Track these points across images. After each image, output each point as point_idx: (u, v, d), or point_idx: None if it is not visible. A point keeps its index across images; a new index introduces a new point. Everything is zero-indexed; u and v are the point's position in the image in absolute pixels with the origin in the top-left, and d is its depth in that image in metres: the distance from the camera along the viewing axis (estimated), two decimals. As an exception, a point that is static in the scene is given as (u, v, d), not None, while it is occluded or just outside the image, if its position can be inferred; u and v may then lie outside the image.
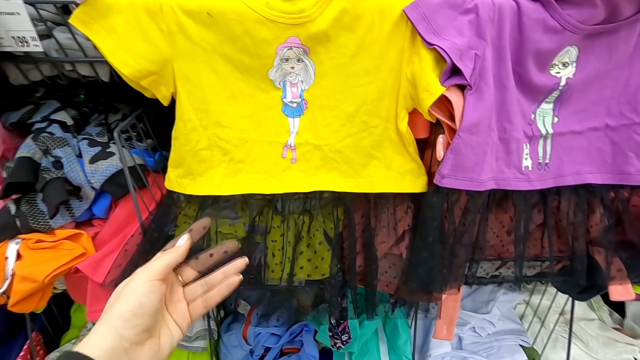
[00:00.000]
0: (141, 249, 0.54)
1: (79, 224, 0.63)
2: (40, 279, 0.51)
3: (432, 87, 0.49)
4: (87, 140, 0.60)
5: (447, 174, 0.50)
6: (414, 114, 0.56)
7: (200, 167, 0.56)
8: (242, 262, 0.42)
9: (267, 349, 0.82)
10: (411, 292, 0.53)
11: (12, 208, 0.57)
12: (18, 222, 0.56)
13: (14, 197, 0.58)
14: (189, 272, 0.42)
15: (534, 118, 0.55)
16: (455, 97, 0.48)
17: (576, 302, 0.88)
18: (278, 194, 0.56)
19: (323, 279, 0.54)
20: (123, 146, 0.54)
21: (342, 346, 0.68)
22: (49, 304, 0.82)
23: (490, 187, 0.53)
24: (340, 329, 0.66)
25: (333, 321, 0.67)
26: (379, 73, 0.53)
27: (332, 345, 0.70)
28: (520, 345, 0.84)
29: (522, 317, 0.94)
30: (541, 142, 0.56)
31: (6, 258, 0.54)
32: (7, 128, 0.62)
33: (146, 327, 0.34)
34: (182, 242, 0.40)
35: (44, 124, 0.59)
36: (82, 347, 0.31)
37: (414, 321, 0.74)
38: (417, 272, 0.51)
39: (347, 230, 0.57)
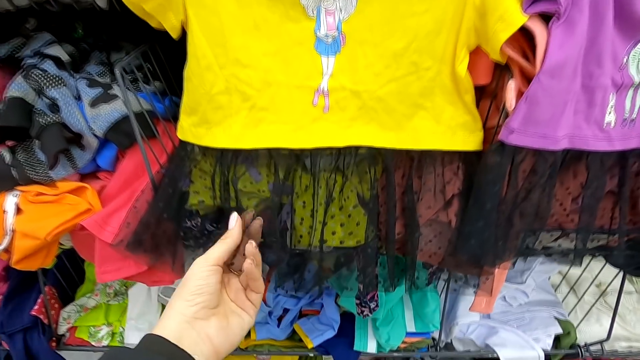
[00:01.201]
0: (153, 207, 0.48)
1: (83, 176, 0.56)
2: (42, 236, 0.46)
3: (511, 16, 0.38)
4: (86, 80, 0.51)
5: (517, 129, 0.41)
6: (475, 54, 0.46)
7: (216, 114, 0.48)
8: (257, 223, 0.45)
9: (286, 311, 0.79)
10: (459, 265, 0.47)
11: (7, 156, 0.50)
12: (14, 172, 0.50)
13: (8, 143, 0.52)
14: (240, 261, 0.44)
15: (627, 62, 0.44)
16: (539, 28, 0.38)
17: (612, 273, 0.82)
18: (307, 149, 0.49)
19: (356, 247, 0.48)
20: (127, 88, 0.46)
21: (370, 314, 0.63)
22: (60, 257, 0.79)
23: (565, 147, 0.44)
24: (369, 297, 0.61)
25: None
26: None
27: (358, 313, 0.65)
28: (555, 318, 0.79)
29: (555, 288, 0.89)
30: (630, 92, 0.45)
31: (5, 212, 0.49)
32: (-5, 64, 0.54)
33: (206, 305, 0.38)
34: (234, 223, 0.43)
35: (35, 60, 0.51)
36: (155, 330, 0.36)
37: (444, 290, 0.69)
38: (470, 244, 0.44)
39: (386, 192, 0.50)
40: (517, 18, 0.38)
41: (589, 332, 0.82)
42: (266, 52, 0.45)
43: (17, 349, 0.72)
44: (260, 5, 0.43)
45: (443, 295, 0.71)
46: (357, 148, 0.49)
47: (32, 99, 0.49)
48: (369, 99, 0.47)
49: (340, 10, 0.44)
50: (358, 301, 0.64)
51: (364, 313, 0.64)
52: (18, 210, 0.49)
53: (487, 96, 0.52)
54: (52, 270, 0.76)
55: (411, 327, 0.75)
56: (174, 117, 0.59)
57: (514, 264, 0.48)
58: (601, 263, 0.80)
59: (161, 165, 0.51)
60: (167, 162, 0.52)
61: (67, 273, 0.80)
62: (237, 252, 0.44)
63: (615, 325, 0.87)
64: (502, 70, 0.46)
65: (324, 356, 0.77)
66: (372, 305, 0.63)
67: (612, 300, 0.86)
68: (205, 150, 0.51)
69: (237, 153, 0.49)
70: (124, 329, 0.78)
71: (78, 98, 0.51)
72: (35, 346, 0.73)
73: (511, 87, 0.40)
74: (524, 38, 0.42)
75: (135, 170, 0.54)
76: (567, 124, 0.43)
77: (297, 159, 0.49)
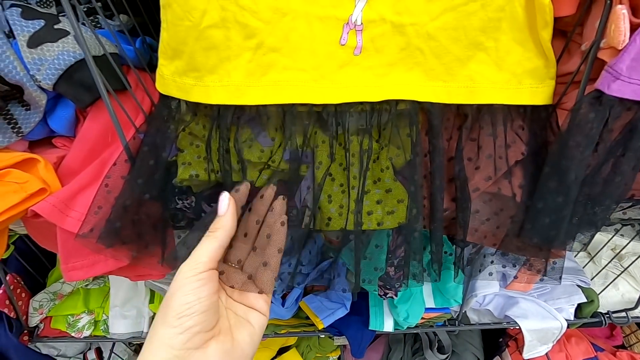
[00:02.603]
0: (130, 185, 0.36)
1: (34, 144, 0.43)
2: (-20, 227, 0.34)
3: None
4: (18, 9, 0.37)
5: (624, 75, 0.30)
6: (559, -29, 0.34)
7: (209, 57, 0.35)
8: (280, 204, 0.34)
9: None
10: (522, 249, 0.38)
11: None
12: None
13: None
14: (239, 248, 0.34)
15: None
16: None
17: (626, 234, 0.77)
18: (331, 105, 0.37)
19: (398, 226, 0.38)
20: (82, 23, 0.32)
21: (394, 297, 0.56)
22: (23, 239, 0.67)
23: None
24: (396, 277, 0.53)
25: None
26: None
27: (380, 295, 0.58)
28: (578, 286, 0.74)
29: (575, 255, 0.84)
30: None
31: None
32: None
33: (200, 329, 0.28)
34: (225, 207, 0.32)
35: (-60, -22, 0.35)
36: None
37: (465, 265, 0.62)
38: (543, 224, 0.35)
39: (430, 159, 0.39)
40: None
41: (606, 297, 0.79)
42: (278, -35, 0.32)
43: (-19, 347, 0.62)
44: None
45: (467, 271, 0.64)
46: (396, 102, 0.38)
47: (-57, 36, 0.35)
48: (415, 35, 0.35)
49: None
50: (382, 283, 0.56)
51: (388, 295, 0.56)
52: (-56, 192, 0.37)
53: (555, 34, 0.41)
54: (12, 256, 0.64)
55: (430, 303, 0.69)
56: (150, 65, 0.45)
57: (586, 244, 0.40)
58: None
59: (137, 129, 0.39)
60: (146, 125, 0.39)
61: (34, 256, 0.69)
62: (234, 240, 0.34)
63: (628, 287, 0.84)
64: (591, -3, 0.35)
65: (335, 337, 0.71)
66: (398, 285, 0.55)
67: (626, 263, 0.83)
68: (196, 108, 0.38)
69: (239, 111, 0.37)
70: (107, 317, 0.69)
71: (11, 35, 0.37)
72: (3, 343, 0.63)
73: (624, 15, 0.29)
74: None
75: (103, 135, 0.41)
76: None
77: (319, 117, 0.38)
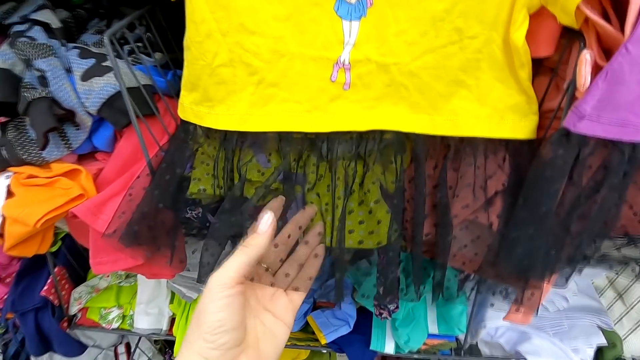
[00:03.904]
0: (149, 195, 0.43)
1: (81, 157, 0.52)
2: (31, 223, 0.42)
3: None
4: (77, 50, 0.46)
5: (589, 114, 0.32)
6: (535, 17, 0.37)
7: (219, 90, 0.41)
8: (320, 227, 0.38)
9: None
10: (499, 276, 0.39)
11: (-3, 134, 0.46)
12: (4, 152, 0.46)
13: (0, 119, 0.47)
14: (272, 253, 0.37)
15: None
16: (634, -21, 0.28)
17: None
18: (323, 133, 0.42)
19: (377, 247, 0.41)
20: (117, 56, 0.40)
21: (388, 317, 0.57)
22: (71, 237, 0.77)
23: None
24: (388, 299, 0.55)
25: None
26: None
27: (376, 315, 0.60)
28: (599, 327, 0.70)
29: (600, 293, 0.79)
30: None
31: (-4, 194, 0.45)
32: (-15, 32, 0.49)
33: (232, 345, 0.30)
34: (265, 227, 0.33)
35: (23, 27, 0.46)
36: None
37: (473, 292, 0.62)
38: (515, 253, 0.36)
39: (414, 185, 0.42)
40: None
41: (637, 344, 0.73)
42: (277, 15, 0.38)
43: (29, 328, 0.71)
44: (270, -44, 0.35)
45: (471, 298, 0.64)
46: (382, 133, 0.42)
47: (21, 71, 0.45)
48: (399, 74, 0.39)
49: (368, -38, 0.35)
50: (376, 302, 0.58)
51: (383, 315, 0.58)
52: (9, 193, 0.46)
53: (545, 71, 0.43)
54: (62, 251, 0.74)
55: (434, 329, 0.68)
56: (178, 94, 0.53)
57: (567, 278, 0.40)
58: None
59: (160, 148, 0.46)
60: (167, 144, 0.46)
61: (79, 253, 0.79)
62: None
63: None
64: (569, 39, 0.37)
65: (337, 354, 0.73)
66: (392, 307, 0.57)
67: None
68: (208, 132, 0.45)
69: (242, 136, 0.43)
70: (134, 313, 0.76)
71: (70, 70, 0.46)
72: (46, 326, 0.72)
73: (587, 59, 0.31)
74: (605, -6, 0.32)
75: (134, 152, 0.49)
76: (654, 109, 0.34)
77: (312, 144, 0.43)
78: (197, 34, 0.39)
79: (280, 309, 0.34)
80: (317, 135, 0.42)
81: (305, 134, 0.42)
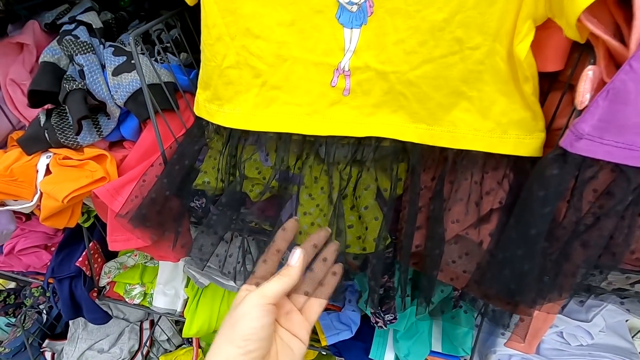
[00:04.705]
0: (159, 183, 0.47)
1: (112, 144, 0.58)
2: (60, 198, 0.48)
3: (597, -27, 0.27)
4: (112, 48, 0.51)
5: (588, 133, 0.30)
6: (544, 29, 0.35)
7: (227, 90, 0.44)
8: (335, 246, 0.37)
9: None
10: (487, 296, 0.38)
11: (42, 119, 0.53)
12: (47, 135, 0.52)
13: (47, 107, 0.54)
14: None
15: None
16: (640, -8, 0.26)
17: None
18: (321, 136, 0.43)
19: (366, 254, 0.41)
20: (142, 53, 0.44)
21: (384, 327, 0.57)
22: (106, 216, 0.85)
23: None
24: (384, 308, 0.54)
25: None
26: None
27: (373, 323, 0.59)
28: (627, 371, 0.64)
29: (634, 334, 0.72)
30: None
31: (37, 171, 0.52)
32: (43, 30, 0.57)
33: (259, 354, 0.31)
34: (296, 262, 0.34)
35: (71, 26, 0.52)
36: None
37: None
38: (502, 275, 0.35)
39: (409, 195, 0.42)
40: (607, -24, 0.27)
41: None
42: (280, 21, 0.39)
43: (64, 293, 0.80)
44: (275, -35, 0.37)
45: (479, 320, 0.61)
46: (379, 140, 0.42)
47: (65, 65, 0.51)
48: (397, 82, 0.39)
49: (369, -29, 0.36)
50: (372, 310, 0.57)
51: (378, 324, 0.57)
52: (48, 171, 0.52)
53: (560, 87, 0.40)
54: (97, 228, 0.82)
55: (437, 347, 0.66)
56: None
57: (563, 307, 0.37)
58: None
59: (175, 140, 0.50)
60: (182, 137, 0.50)
61: (113, 232, 0.86)
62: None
63: None
64: (582, 53, 0.35)
65: (337, 358, 0.73)
66: (389, 317, 0.56)
67: None
68: (218, 129, 0.47)
69: (245, 134, 0.45)
70: (154, 291, 0.82)
71: (104, 66, 0.51)
72: (78, 294, 0.81)
73: (588, 76, 0.29)
74: (618, 7, 0.30)
75: (155, 142, 0.53)
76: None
77: (310, 146, 0.44)
78: (209, 37, 0.42)
79: (296, 326, 0.35)
80: (316, 138, 0.43)
81: (305, 136, 0.43)
